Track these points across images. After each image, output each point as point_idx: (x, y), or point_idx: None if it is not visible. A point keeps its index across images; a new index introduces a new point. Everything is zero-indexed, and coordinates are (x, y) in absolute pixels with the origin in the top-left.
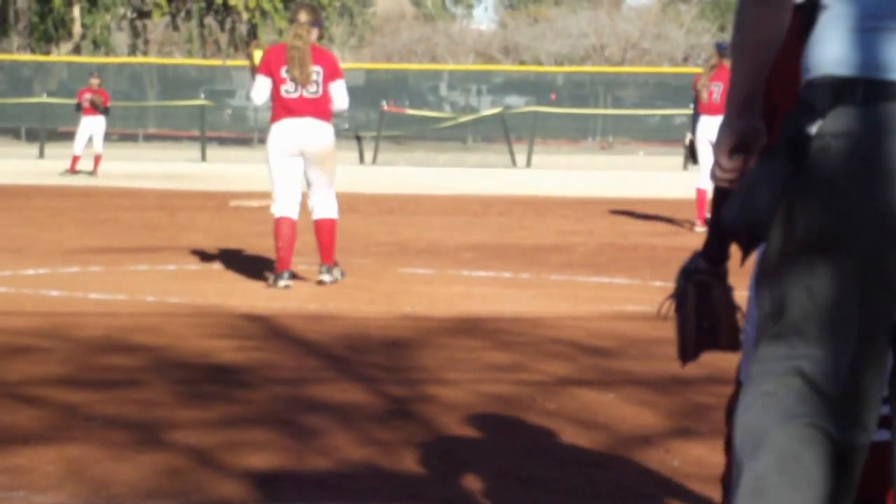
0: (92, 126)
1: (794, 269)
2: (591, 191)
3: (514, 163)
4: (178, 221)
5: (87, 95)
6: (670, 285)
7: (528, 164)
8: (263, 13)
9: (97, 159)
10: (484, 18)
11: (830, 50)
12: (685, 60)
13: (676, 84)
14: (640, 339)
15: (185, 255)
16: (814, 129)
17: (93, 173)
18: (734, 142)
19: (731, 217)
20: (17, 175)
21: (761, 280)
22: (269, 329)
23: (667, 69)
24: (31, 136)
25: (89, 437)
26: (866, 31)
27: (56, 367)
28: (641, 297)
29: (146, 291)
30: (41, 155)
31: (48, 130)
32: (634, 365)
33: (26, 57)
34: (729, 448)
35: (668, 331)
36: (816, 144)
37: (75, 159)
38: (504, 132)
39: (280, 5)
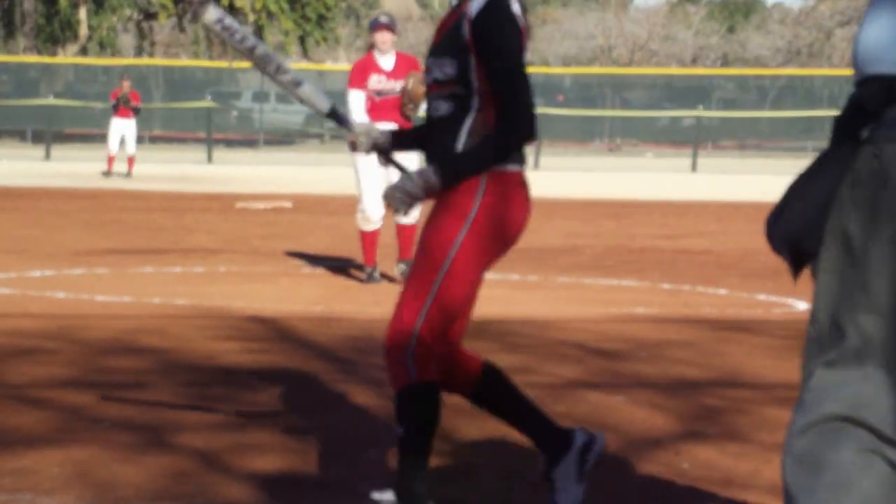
0: (124, 128)
1: (851, 292)
2: (599, 193)
3: None
4: (183, 223)
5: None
6: (678, 288)
7: (536, 165)
8: (270, 14)
9: (131, 161)
10: None
11: (882, 46)
12: (693, 62)
13: (685, 85)
14: (648, 342)
15: (191, 257)
16: (865, 132)
17: (128, 175)
18: None
19: (771, 231)
20: (24, 177)
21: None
22: (275, 331)
23: (675, 70)
24: (38, 138)
25: (95, 439)
26: None
27: (62, 369)
28: (650, 300)
29: (152, 293)
30: (47, 157)
31: (54, 132)
32: (643, 367)
33: (32, 58)
34: None
35: (677, 333)
36: (868, 150)
37: (111, 159)
38: None
39: (286, 6)
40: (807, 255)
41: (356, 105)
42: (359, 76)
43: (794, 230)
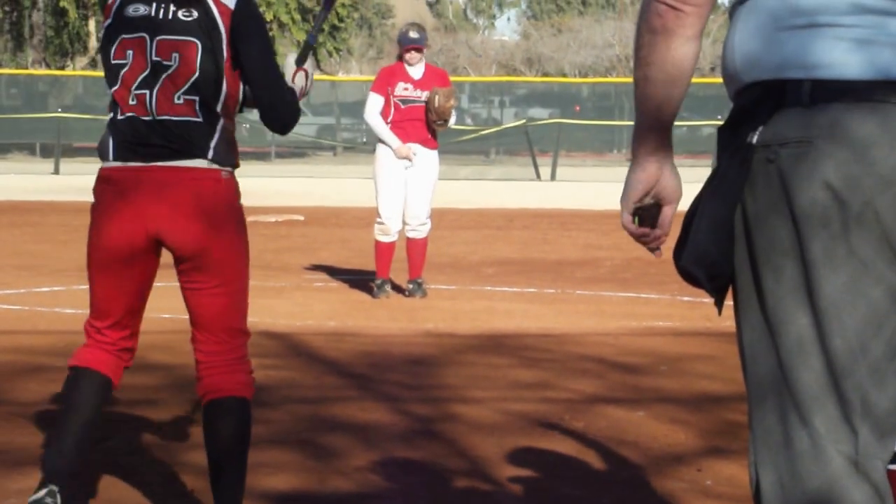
0: None
1: (779, 317)
2: (618, 204)
3: (538, 176)
4: None
5: None
6: (699, 300)
7: (553, 177)
8: (281, 25)
9: None
10: (506, 29)
11: (761, 51)
12: (712, 70)
13: (703, 94)
14: (669, 356)
15: None
16: (755, 137)
17: None
18: (644, 190)
19: (678, 259)
20: (33, 191)
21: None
22: (288, 347)
23: (694, 79)
24: (46, 152)
25: (105, 457)
26: (796, 29)
27: None
28: (670, 313)
29: (162, 309)
30: (56, 171)
31: (63, 146)
32: (664, 382)
33: (41, 71)
34: None
35: (698, 347)
36: (761, 154)
37: None
38: (528, 145)
39: (298, 17)
40: (722, 276)
41: (372, 108)
42: (382, 82)
43: (704, 250)
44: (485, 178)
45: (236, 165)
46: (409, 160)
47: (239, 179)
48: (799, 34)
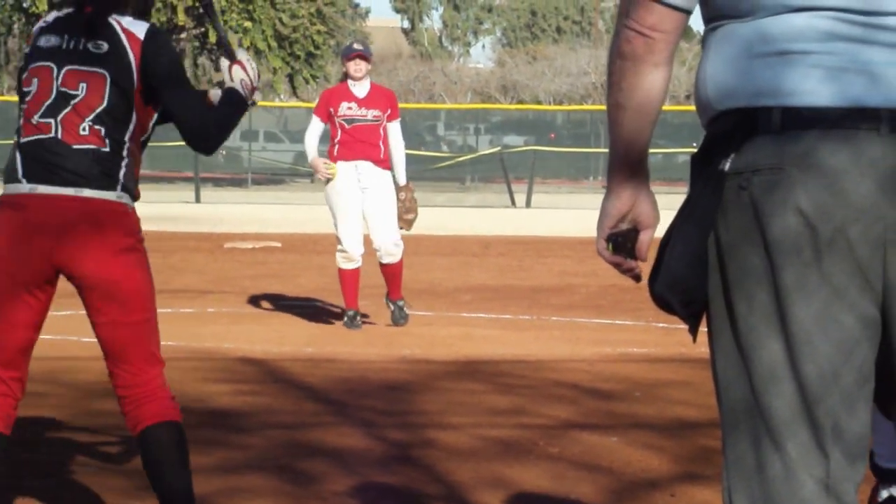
0: None
1: (752, 346)
2: (593, 231)
3: (513, 203)
4: (171, 264)
5: None
6: (674, 327)
7: (528, 203)
8: (258, 52)
9: None
10: (481, 56)
11: (734, 80)
12: (687, 98)
13: (678, 122)
14: (643, 382)
15: (180, 297)
16: (727, 164)
17: None
18: (618, 218)
19: (653, 285)
20: None
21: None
22: (265, 373)
23: (668, 107)
24: None
25: (85, 483)
26: (769, 56)
27: (51, 412)
28: (645, 339)
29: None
30: None
31: None
32: (639, 408)
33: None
34: None
35: (673, 373)
36: (733, 182)
37: None
38: (503, 172)
39: (274, 44)
40: (696, 302)
41: (308, 131)
42: (323, 104)
43: (678, 276)
44: (460, 205)
45: (137, 197)
46: (322, 177)
47: (216, 206)
48: (772, 62)
